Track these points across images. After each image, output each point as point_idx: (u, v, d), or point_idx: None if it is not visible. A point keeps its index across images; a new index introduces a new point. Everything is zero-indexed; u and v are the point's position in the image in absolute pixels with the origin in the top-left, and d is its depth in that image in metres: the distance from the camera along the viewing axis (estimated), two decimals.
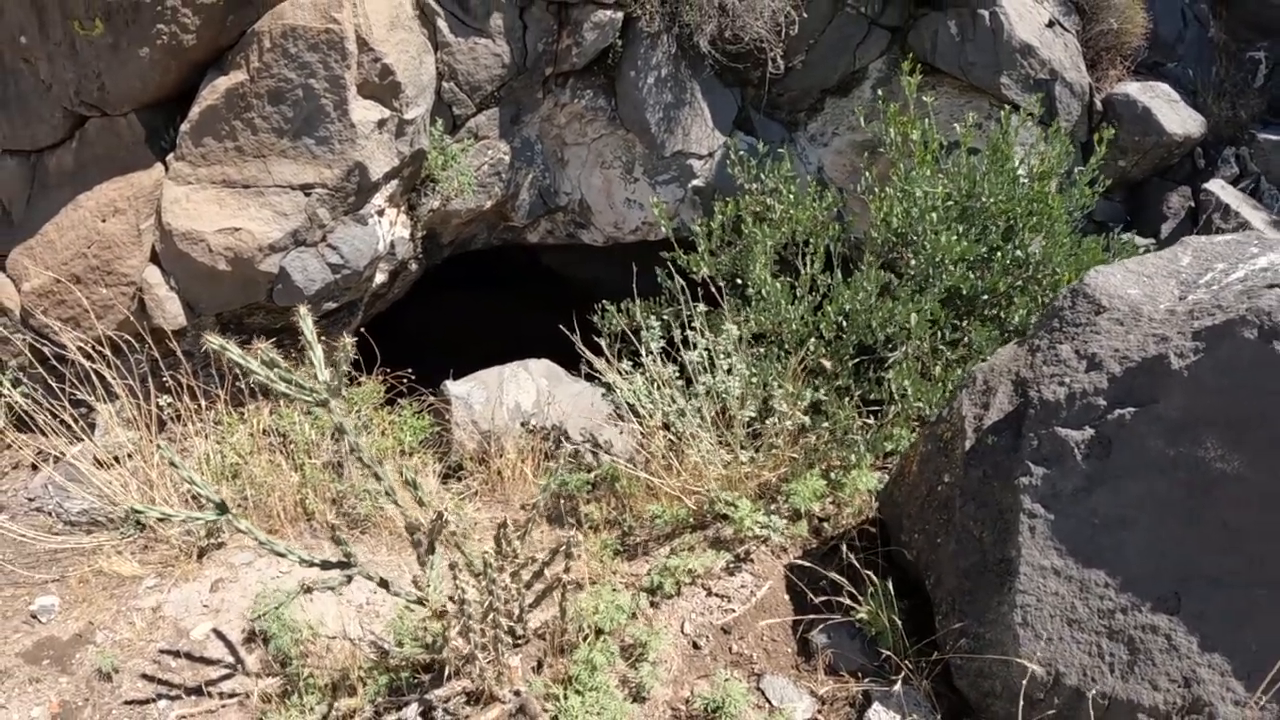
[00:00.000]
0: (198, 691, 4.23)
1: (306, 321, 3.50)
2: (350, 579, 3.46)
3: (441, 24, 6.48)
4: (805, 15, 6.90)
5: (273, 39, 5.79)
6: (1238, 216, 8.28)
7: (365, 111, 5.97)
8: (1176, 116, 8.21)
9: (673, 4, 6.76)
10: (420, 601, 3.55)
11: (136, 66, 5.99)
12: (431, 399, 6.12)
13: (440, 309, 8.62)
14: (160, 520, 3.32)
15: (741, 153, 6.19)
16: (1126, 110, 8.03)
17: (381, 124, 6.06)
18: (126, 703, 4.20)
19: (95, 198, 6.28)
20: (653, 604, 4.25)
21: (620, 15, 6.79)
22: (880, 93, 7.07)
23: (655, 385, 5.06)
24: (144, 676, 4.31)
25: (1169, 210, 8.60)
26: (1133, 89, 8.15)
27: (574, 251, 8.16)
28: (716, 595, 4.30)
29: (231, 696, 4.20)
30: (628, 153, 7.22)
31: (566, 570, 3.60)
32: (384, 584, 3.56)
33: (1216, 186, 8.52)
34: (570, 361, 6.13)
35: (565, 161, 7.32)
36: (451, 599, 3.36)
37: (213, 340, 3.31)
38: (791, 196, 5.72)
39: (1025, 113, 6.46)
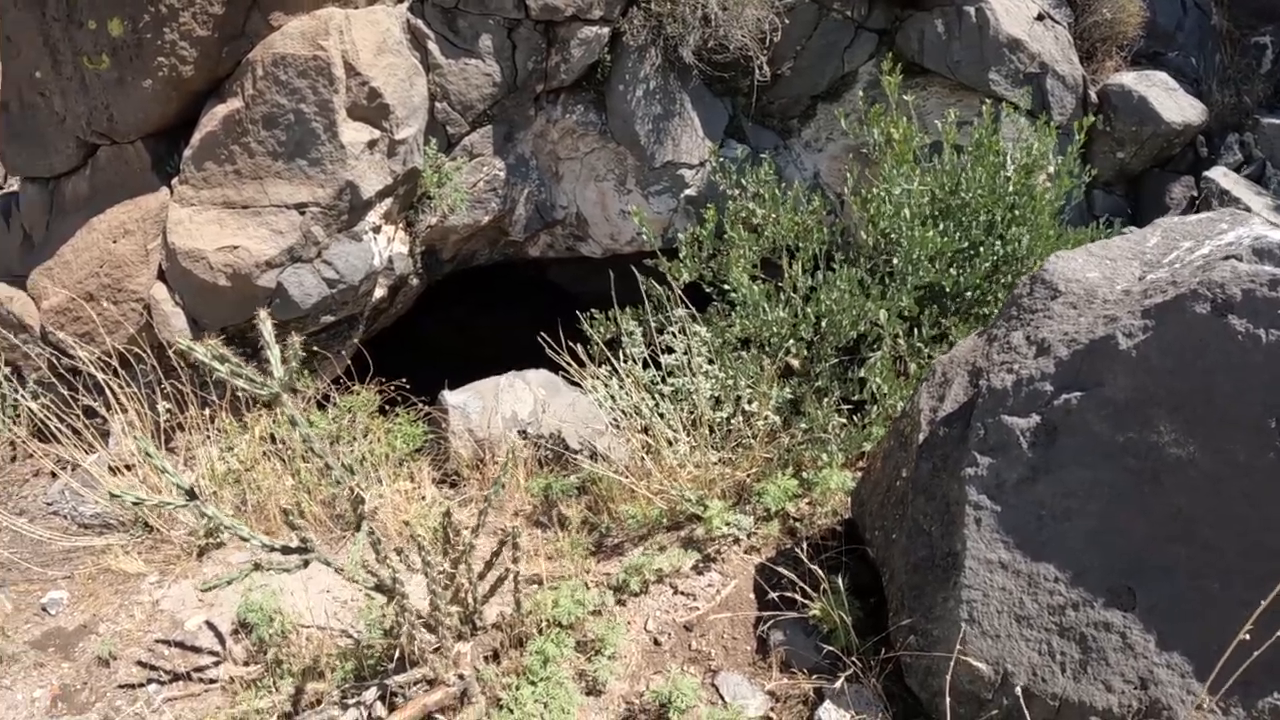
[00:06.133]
0: (185, 677, 4.31)
1: (266, 325, 3.50)
2: (307, 563, 3.41)
3: (432, 46, 6.43)
4: (789, 22, 6.73)
5: (264, 67, 5.81)
6: (1238, 202, 7.89)
7: (355, 133, 5.95)
8: (1175, 105, 7.85)
9: (657, 17, 6.61)
10: (379, 588, 3.46)
11: (141, 97, 6.07)
12: (429, 408, 6.03)
13: (449, 325, 8.55)
14: (135, 504, 3.35)
15: (723, 160, 6.01)
16: (1122, 100, 7.68)
17: (372, 144, 6.02)
18: (120, 686, 4.30)
19: (107, 220, 6.37)
20: (619, 601, 4.12)
21: (606, 31, 6.67)
22: (870, 96, 6.83)
23: (632, 389, 4.92)
24: (139, 663, 4.41)
25: (1171, 201, 8.23)
26: (1128, 79, 7.79)
27: (578, 266, 8.05)
28: (683, 594, 4.15)
29: (214, 682, 4.28)
30: (620, 165, 7.09)
31: (515, 561, 3.51)
32: (341, 570, 3.49)
33: (1218, 174, 8.13)
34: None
35: (560, 176, 7.21)
36: (395, 576, 3.26)
37: (181, 342, 3.33)
38: (772, 201, 5.52)
39: (1009, 106, 6.21)
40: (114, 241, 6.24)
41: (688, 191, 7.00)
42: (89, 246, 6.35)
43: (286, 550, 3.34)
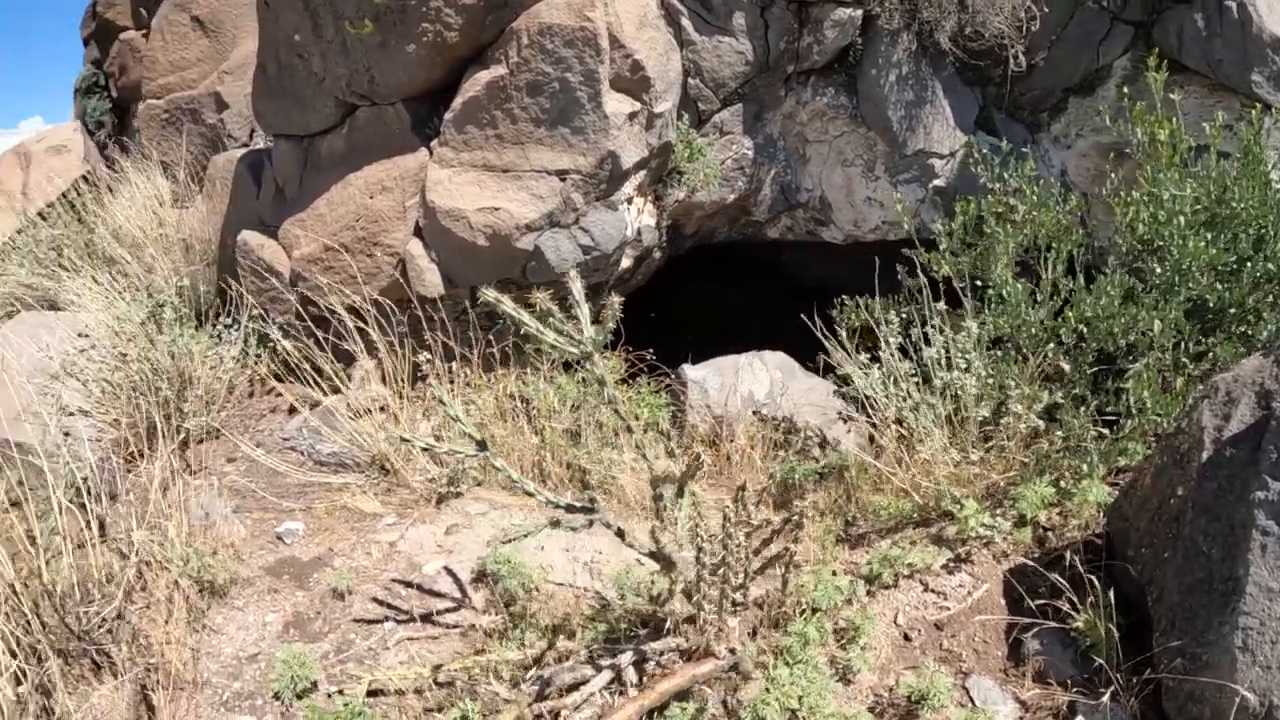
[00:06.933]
0: (424, 619, 4.42)
1: (576, 284, 3.61)
2: (592, 523, 3.56)
3: (686, 23, 6.57)
4: (1046, 10, 6.60)
5: (530, 36, 6.01)
6: None
7: (618, 104, 6.13)
8: None
9: (912, 1, 6.59)
10: (652, 555, 3.60)
11: (404, 61, 6.32)
12: (668, 380, 6.22)
13: (682, 298, 8.68)
14: (425, 450, 3.52)
15: (985, 152, 5.94)
16: None
17: (632, 116, 6.19)
18: (355, 620, 4.44)
19: (364, 177, 6.67)
20: (869, 592, 4.19)
21: (860, 13, 6.68)
22: (1126, 91, 6.64)
23: (891, 379, 4.97)
24: (374, 600, 4.56)
25: None
26: None
27: (816, 251, 8.05)
28: (933, 591, 4.21)
29: (455, 627, 4.39)
30: (869, 151, 7.08)
31: (795, 541, 3.59)
32: (620, 534, 3.64)
33: None
34: (800, 358, 6.13)
35: (806, 158, 7.25)
36: (701, 546, 3.37)
37: (488, 294, 3.46)
38: (1035, 197, 5.48)
39: (1278, 111, 6.00)
40: (371, 197, 6.57)
41: (936, 182, 6.94)
42: (345, 201, 6.69)
43: (571, 509, 3.51)
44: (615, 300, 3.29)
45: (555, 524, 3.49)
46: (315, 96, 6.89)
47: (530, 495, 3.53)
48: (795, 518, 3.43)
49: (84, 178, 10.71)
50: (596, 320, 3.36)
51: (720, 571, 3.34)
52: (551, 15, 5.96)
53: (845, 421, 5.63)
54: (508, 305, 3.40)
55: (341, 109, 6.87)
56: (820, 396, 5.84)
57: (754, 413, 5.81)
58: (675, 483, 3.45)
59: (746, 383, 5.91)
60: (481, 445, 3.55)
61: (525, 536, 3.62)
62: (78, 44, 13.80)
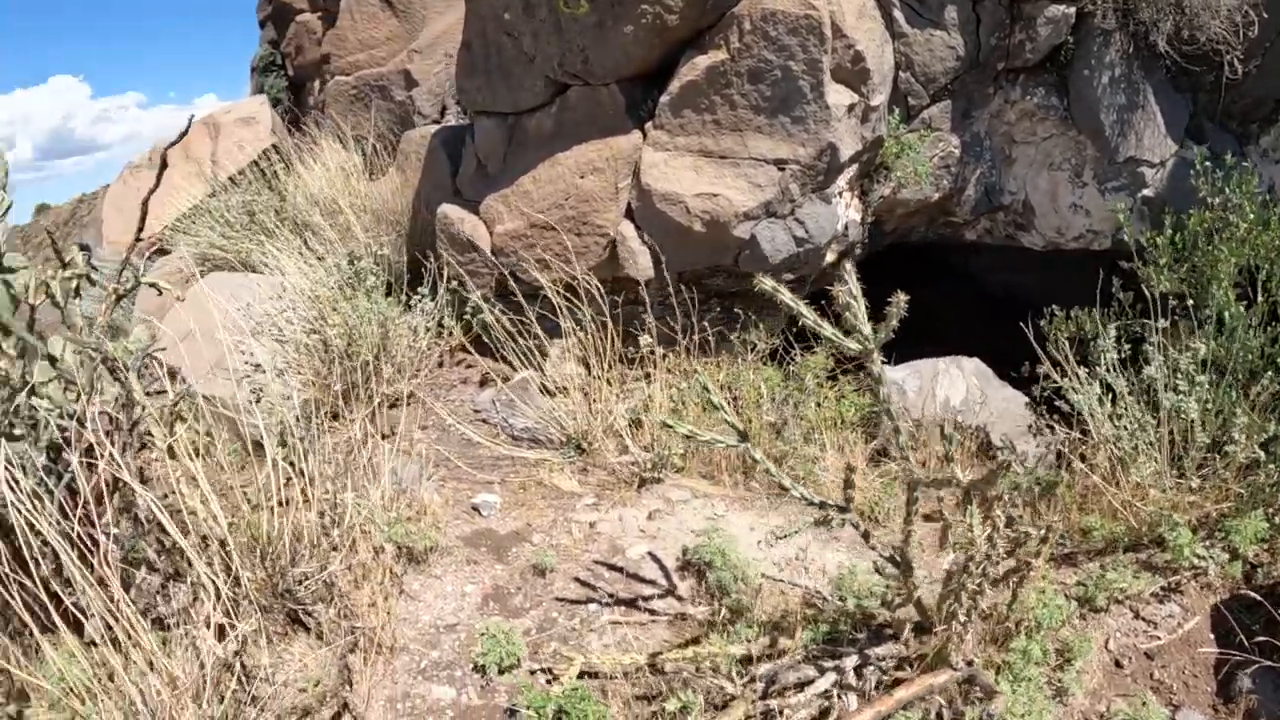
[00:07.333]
0: (630, 604, 4.46)
1: (851, 277, 3.48)
2: (844, 522, 3.58)
3: (897, 15, 6.58)
4: (1266, 16, 6.37)
5: (753, 22, 6.05)
6: None
7: (838, 95, 6.16)
8: None
9: (1125, 0, 6.47)
10: (891, 559, 3.64)
11: (620, 43, 6.41)
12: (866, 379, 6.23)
13: (876, 297, 8.63)
14: (688, 437, 3.55)
15: (1208, 164, 5.76)
16: None
17: (851, 108, 6.22)
18: (558, 599, 4.50)
19: (574, 157, 6.79)
20: (1080, 615, 4.21)
21: (1073, 10, 6.57)
22: None
23: (1109, 397, 4.96)
24: (576, 580, 4.63)
25: None
26: None
27: (997, 256, 7.99)
28: (1143, 619, 4.22)
29: (662, 615, 4.40)
30: (1078, 155, 6.95)
31: (1037, 556, 3.61)
32: (866, 535, 3.68)
33: None
34: (989, 363, 6.16)
35: (1012, 159, 7.17)
36: (971, 555, 3.42)
37: (765, 283, 3.38)
38: (1253, 215, 5.37)
39: None
40: (581, 177, 6.72)
41: (1145, 191, 6.79)
42: (553, 180, 6.85)
43: (825, 505, 3.54)
44: (901, 298, 3.18)
45: (821, 523, 3.55)
46: (524, 75, 7.02)
47: (785, 489, 3.59)
48: (1044, 533, 3.47)
49: (273, 148, 11.23)
50: (878, 318, 3.33)
51: (978, 581, 3.40)
52: (775, 2, 6.00)
53: (1036, 435, 5.60)
54: (785, 296, 3.36)
55: (551, 88, 6.99)
56: (1016, 408, 5.81)
57: (950, 419, 5.83)
58: (961, 488, 3.48)
59: (944, 388, 5.93)
60: (743, 436, 3.59)
61: (795, 533, 3.68)
62: (253, 26, 14.67)
